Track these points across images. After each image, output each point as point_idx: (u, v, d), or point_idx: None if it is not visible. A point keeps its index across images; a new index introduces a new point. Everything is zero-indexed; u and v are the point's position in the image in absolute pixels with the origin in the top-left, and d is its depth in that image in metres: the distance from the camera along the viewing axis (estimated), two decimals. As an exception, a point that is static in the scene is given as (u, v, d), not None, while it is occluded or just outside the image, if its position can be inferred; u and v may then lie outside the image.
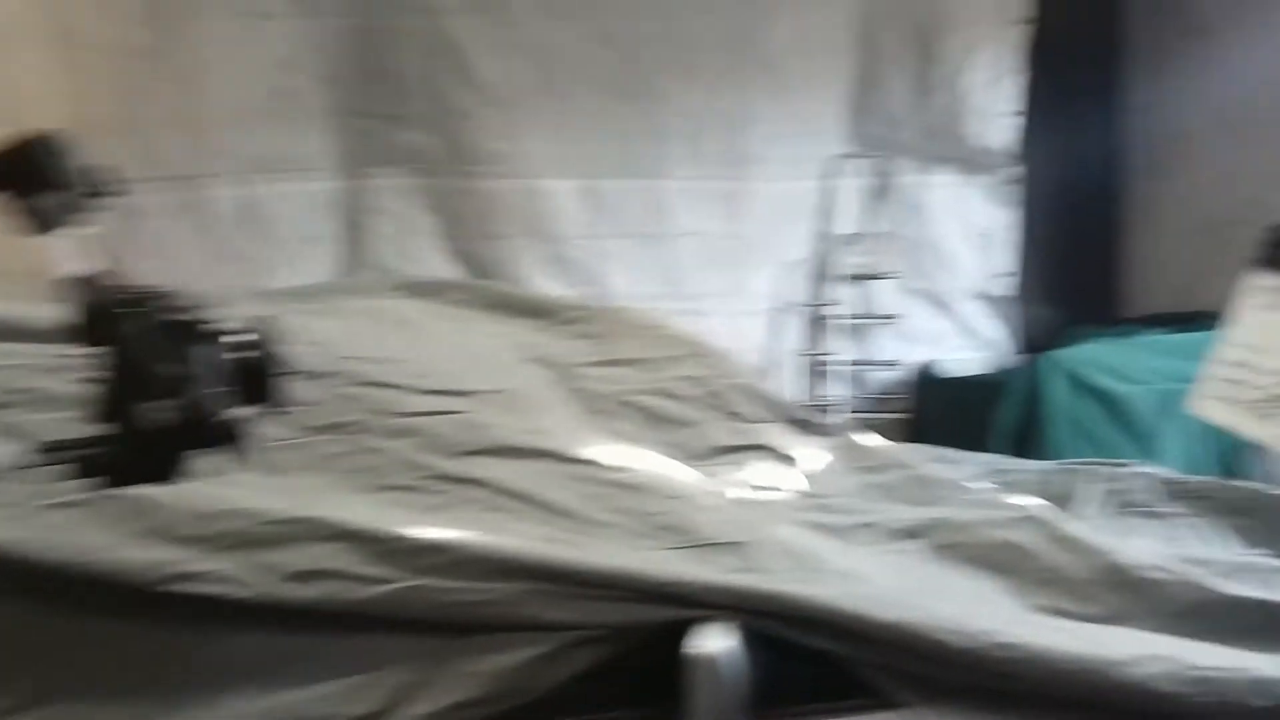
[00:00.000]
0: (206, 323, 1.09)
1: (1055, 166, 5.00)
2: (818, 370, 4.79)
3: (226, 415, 1.05)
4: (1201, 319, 4.34)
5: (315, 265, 4.24)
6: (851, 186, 4.86)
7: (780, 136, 4.69)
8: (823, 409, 4.66)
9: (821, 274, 4.84)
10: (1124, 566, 1.57)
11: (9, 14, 3.72)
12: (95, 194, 1.23)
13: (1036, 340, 4.87)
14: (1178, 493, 2.14)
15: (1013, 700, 1.28)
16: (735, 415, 1.82)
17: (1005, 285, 4.92)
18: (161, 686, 1.11)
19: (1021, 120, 4.76)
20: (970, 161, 4.83)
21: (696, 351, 1.87)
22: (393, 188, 4.38)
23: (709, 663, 1.16)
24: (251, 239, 4.15)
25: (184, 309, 1.10)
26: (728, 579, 1.29)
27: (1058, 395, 3.92)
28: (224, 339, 1.11)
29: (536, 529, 1.34)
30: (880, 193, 4.87)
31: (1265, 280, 1.61)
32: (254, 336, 1.10)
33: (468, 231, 4.42)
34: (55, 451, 1.04)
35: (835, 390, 4.75)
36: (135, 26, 3.93)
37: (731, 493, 1.64)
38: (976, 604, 1.41)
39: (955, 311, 4.90)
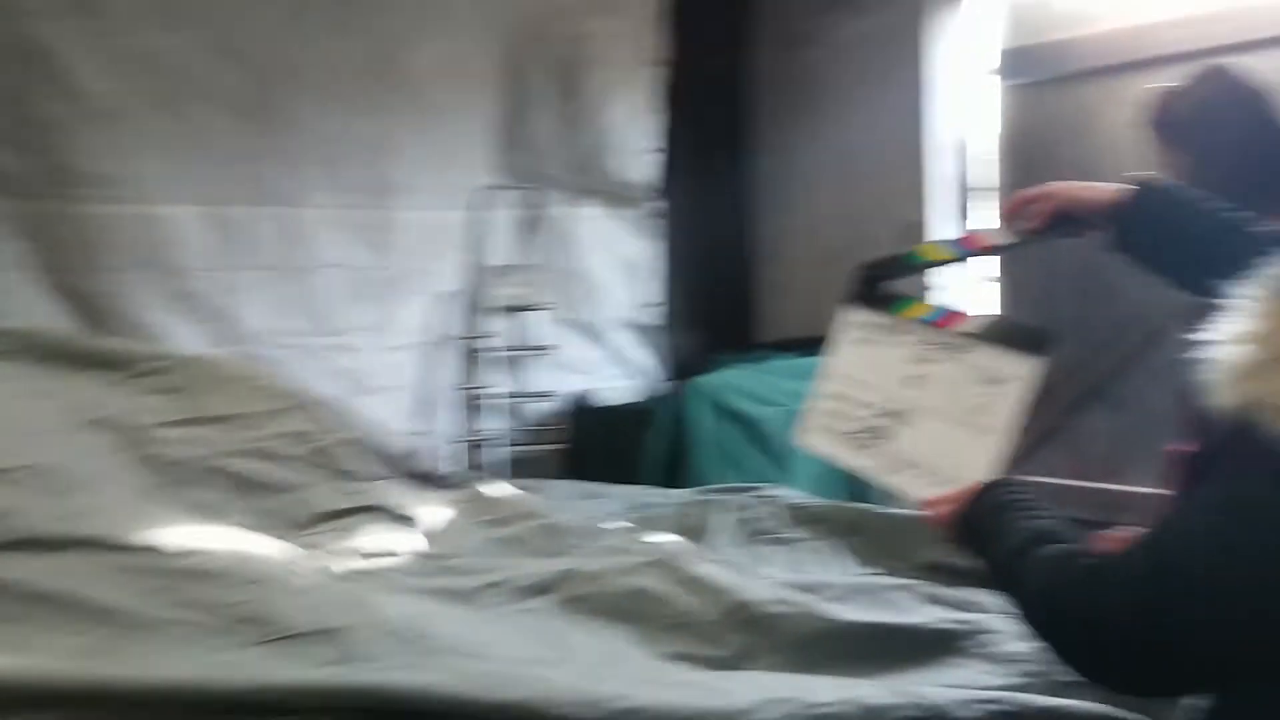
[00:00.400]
0: None
1: (695, 201, 5.26)
2: (474, 404, 4.69)
3: None
4: (818, 342, 4.73)
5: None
6: (502, 218, 4.83)
7: (426, 165, 4.56)
8: (477, 443, 4.58)
9: (474, 306, 4.75)
10: (748, 604, 1.58)
11: None
12: None
13: (683, 367, 5.08)
14: (800, 517, 2.23)
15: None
16: (344, 474, 1.65)
17: (652, 314, 5.08)
18: None
19: (662, 157, 4.94)
20: (615, 195, 4.96)
21: (300, 404, 1.67)
22: (-25, 213, 3.77)
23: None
24: None
25: None
26: (318, 676, 1.12)
27: (701, 420, 4.08)
28: None
29: (71, 640, 1.10)
30: (531, 224, 4.87)
31: (856, 315, 1.70)
32: None
33: (69, 263, 3.88)
34: None
35: (492, 424, 4.67)
36: None
37: (336, 566, 1.46)
38: (604, 664, 1.35)
39: (606, 341, 4.99)
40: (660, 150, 4.92)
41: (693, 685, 1.31)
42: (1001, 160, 4.56)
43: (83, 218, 3.91)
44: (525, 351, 4.82)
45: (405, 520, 1.59)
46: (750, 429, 4.15)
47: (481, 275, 4.76)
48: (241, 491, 1.46)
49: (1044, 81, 4.42)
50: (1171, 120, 1.88)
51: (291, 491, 1.54)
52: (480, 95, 4.66)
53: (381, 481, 1.67)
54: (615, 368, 5.00)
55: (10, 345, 1.60)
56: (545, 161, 4.81)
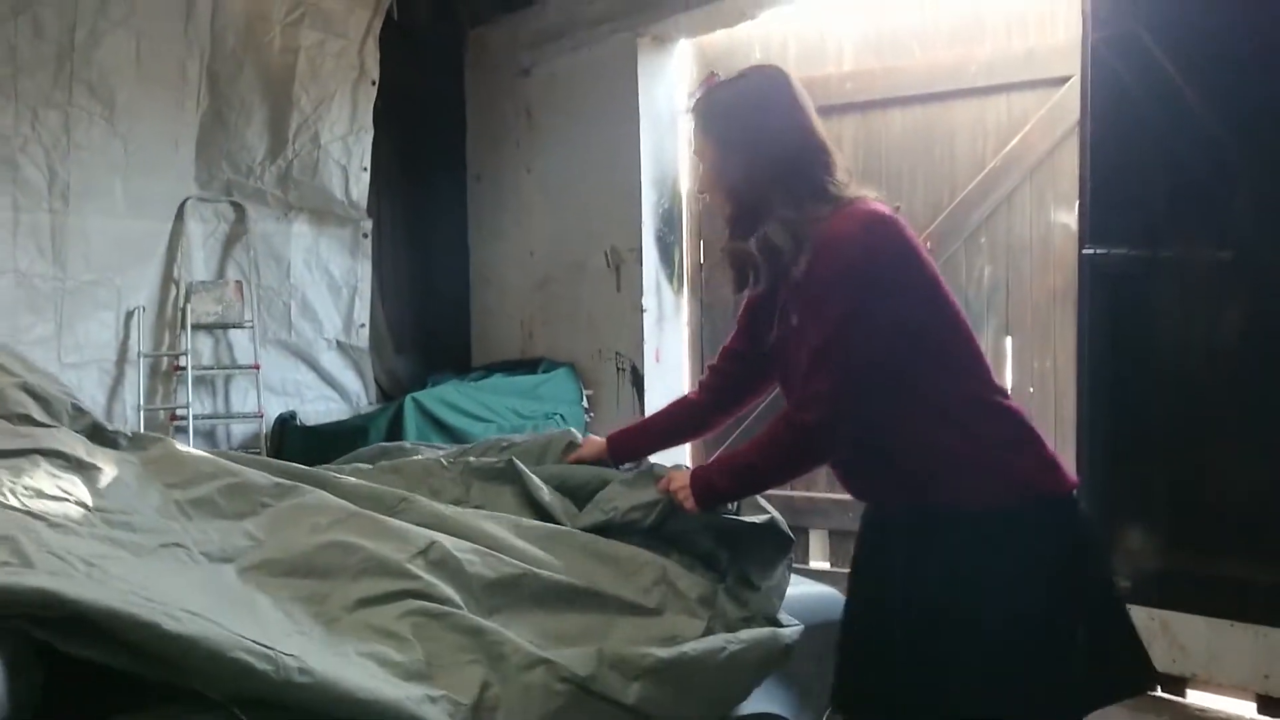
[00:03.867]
0: None
1: (410, 224, 5.25)
2: (164, 426, 4.39)
3: None
4: (538, 363, 4.84)
5: None
6: (202, 231, 4.60)
7: (115, 169, 4.28)
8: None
9: (170, 322, 4.47)
10: (438, 545, 1.61)
11: None
12: None
13: (398, 387, 5.01)
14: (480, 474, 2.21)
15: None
16: (22, 418, 1.53)
17: (363, 335, 4.98)
18: None
19: (374, 177, 4.90)
20: (326, 213, 4.85)
21: None
22: None
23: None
24: None
25: None
26: None
27: (415, 434, 4.04)
28: None
29: None
30: (235, 239, 4.67)
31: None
32: None
33: None
34: None
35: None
36: None
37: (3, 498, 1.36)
38: (280, 622, 1.32)
39: (316, 361, 4.84)
40: (372, 170, 4.87)
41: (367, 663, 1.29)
42: (692, 192, 4.91)
43: None
44: (226, 371, 4.59)
45: (85, 468, 1.48)
46: (462, 442, 4.15)
47: (179, 290, 4.49)
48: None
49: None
50: (705, 109, 1.87)
51: (-43, 429, 1.41)
52: (178, 100, 4.43)
53: (61, 429, 1.55)
54: (324, 387, 4.85)
55: None
56: (251, 175, 4.64)
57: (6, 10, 3.94)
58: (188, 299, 4.49)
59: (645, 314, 4.56)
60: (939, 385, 1.73)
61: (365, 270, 4.96)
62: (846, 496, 4.50)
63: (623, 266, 4.63)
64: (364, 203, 4.87)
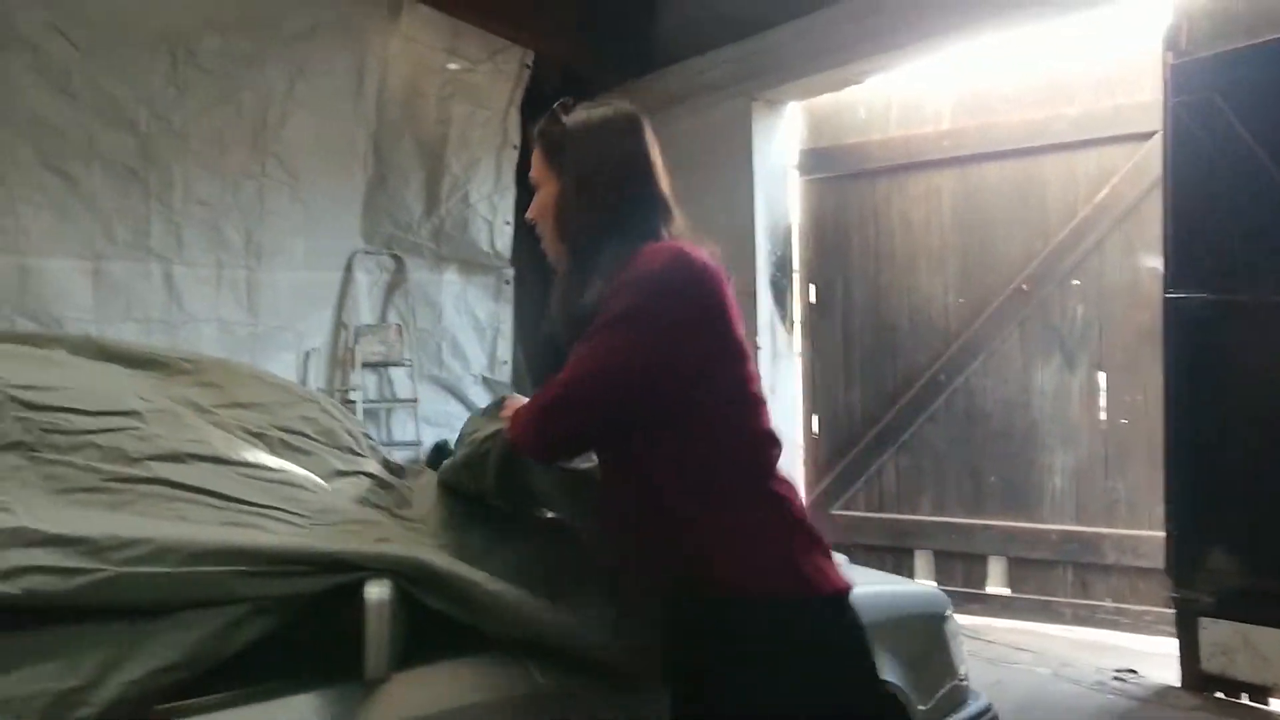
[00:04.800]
0: None
1: (545, 271, 5.80)
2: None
3: None
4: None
5: None
6: (367, 281, 5.23)
7: (296, 230, 4.93)
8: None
9: (340, 361, 5.10)
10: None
11: None
12: None
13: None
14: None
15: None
16: (346, 449, 2.03)
17: (505, 371, 5.56)
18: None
19: (516, 230, 5.48)
20: (473, 263, 5.45)
21: (304, 397, 2.07)
22: None
23: (380, 605, 1.42)
24: None
25: None
26: (378, 548, 1.55)
27: (556, 462, 4.55)
28: None
29: (217, 515, 1.49)
30: (394, 288, 5.29)
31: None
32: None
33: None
34: None
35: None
36: None
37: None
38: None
39: (464, 394, 5.42)
40: (513, 223, 5.45)
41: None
42: (802, 241, 5.37)
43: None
44: (388, 404, 5.20)
45: (390, 486, 1.98)
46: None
47: (348, 333, 5.13)
48: (279, 453, 1.83)
49: (837, 177, 5.27)
50: (553, 138, 1.82)
51: (312, 455, 1.91)
52: (349, 168, 5.08)
53: (368, 459, 2.05)
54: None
55: (73, 344, 1.90)
56: (409, 230, 5.26)
57: (214, 99, 4.62)
58: (356, 340, 5.12)
59: (760, 351, 5.00)
60: (709, 455, 1.61)
61: (507, 313, 5.55)
62: (950, 518, 4.86)
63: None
64: (507, 253, 5.46)
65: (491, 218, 5.41)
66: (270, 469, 1.69)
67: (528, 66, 5.47)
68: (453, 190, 5.29)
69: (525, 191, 5.63)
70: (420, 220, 5.28)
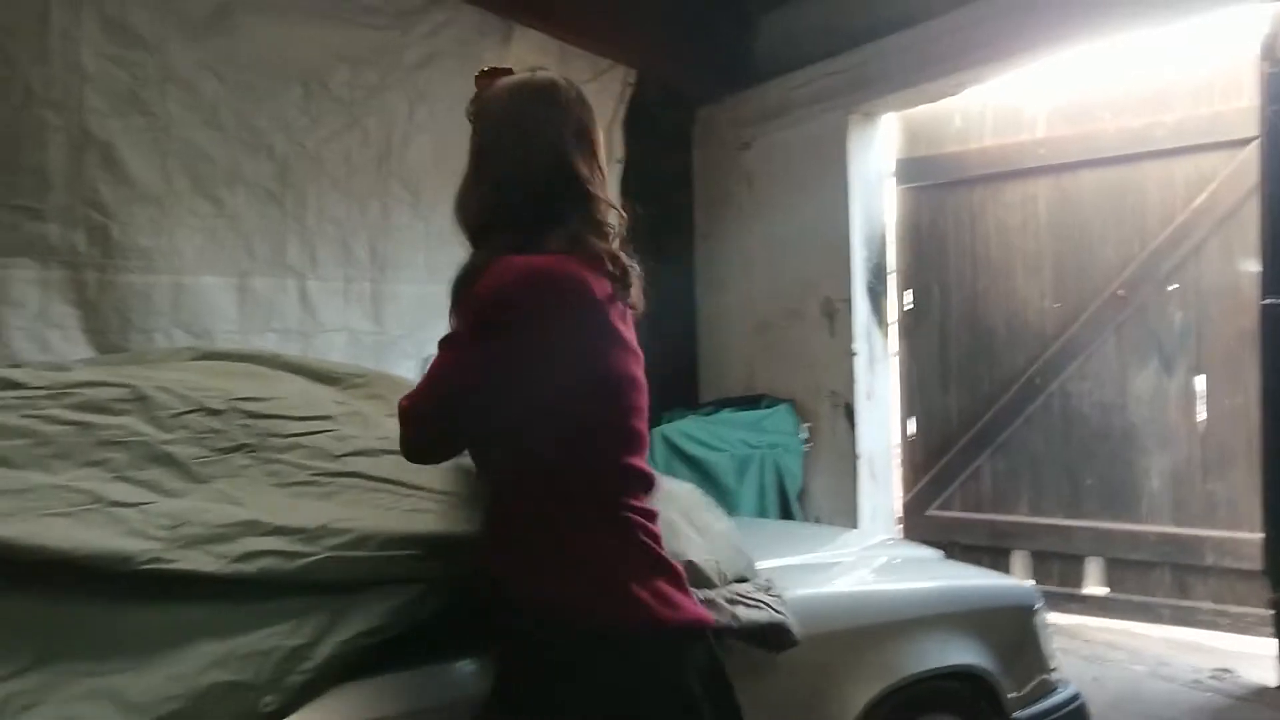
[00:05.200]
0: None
1: (647, 279, 6.05)
2: (457, 453, 5.33)
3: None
4: (759, 399, 5.53)
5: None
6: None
7: (419, 245, 5.28)
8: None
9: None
10: None
11: None
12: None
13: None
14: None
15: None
16: None
17: (611, 376, 5.82)
18: (144, 642, 1.44)
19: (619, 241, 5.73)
20: (580, 272, 5.73)
21: None
22: (29, 279, 4.32)
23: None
24: None
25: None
26: None
27: (662, 462, 4.80)
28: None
29: (404, 501, 1.79)
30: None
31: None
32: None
33: (111, 324, 4.45)
34: None
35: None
36: None
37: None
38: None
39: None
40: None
41: None
42: (898, 248, 5.51)
43: (123, 285, 4.49)
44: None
45: None
46: (700, 469, 4.88)
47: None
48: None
49: (933, 185, 5.39)
50: (476, 104, 1.70)
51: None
52: (450, 186, 5.40)
53: None
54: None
55: (265, 360, 2.24)
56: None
57: (344, 125, 4.99)
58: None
59: (857, 357, 5.16)
60: (551, 480, 1.55)
61: (611, 320, 5.80)
62: (1047, 519, 4.94)
63: (836, 315, 5.26)
64: (611, 263, 5.71)
65: (597, 230, 5.66)
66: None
67: (630, 84, 5.72)
68: (560, 204, 5.57)
69: (628, 205, 5.89)
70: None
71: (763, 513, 4.90)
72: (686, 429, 4.99)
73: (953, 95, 4.97)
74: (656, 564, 1.56)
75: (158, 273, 4.58)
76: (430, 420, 1.56)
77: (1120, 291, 4.76)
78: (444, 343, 1.62)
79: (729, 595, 1.97)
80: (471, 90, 1.79)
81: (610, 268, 1.62)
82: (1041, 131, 5.00)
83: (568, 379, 1.54)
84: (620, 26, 5.55)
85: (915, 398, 5.50)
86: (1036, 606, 2.66)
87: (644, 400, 1.66)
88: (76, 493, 1.60)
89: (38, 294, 4.31)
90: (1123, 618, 4.74)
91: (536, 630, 1.54)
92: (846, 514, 5.11)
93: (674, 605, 1.54)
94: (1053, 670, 2.66)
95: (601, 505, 1.56)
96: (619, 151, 5.70)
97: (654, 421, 5.35)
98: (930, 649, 2.30)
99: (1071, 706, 2.63)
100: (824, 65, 5.18)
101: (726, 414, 5.35)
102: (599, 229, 1.65)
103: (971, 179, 5.26)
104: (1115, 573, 4.83)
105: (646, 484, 1.61)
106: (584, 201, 1.63)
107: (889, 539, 4.19)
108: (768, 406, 5.36)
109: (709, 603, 1.86)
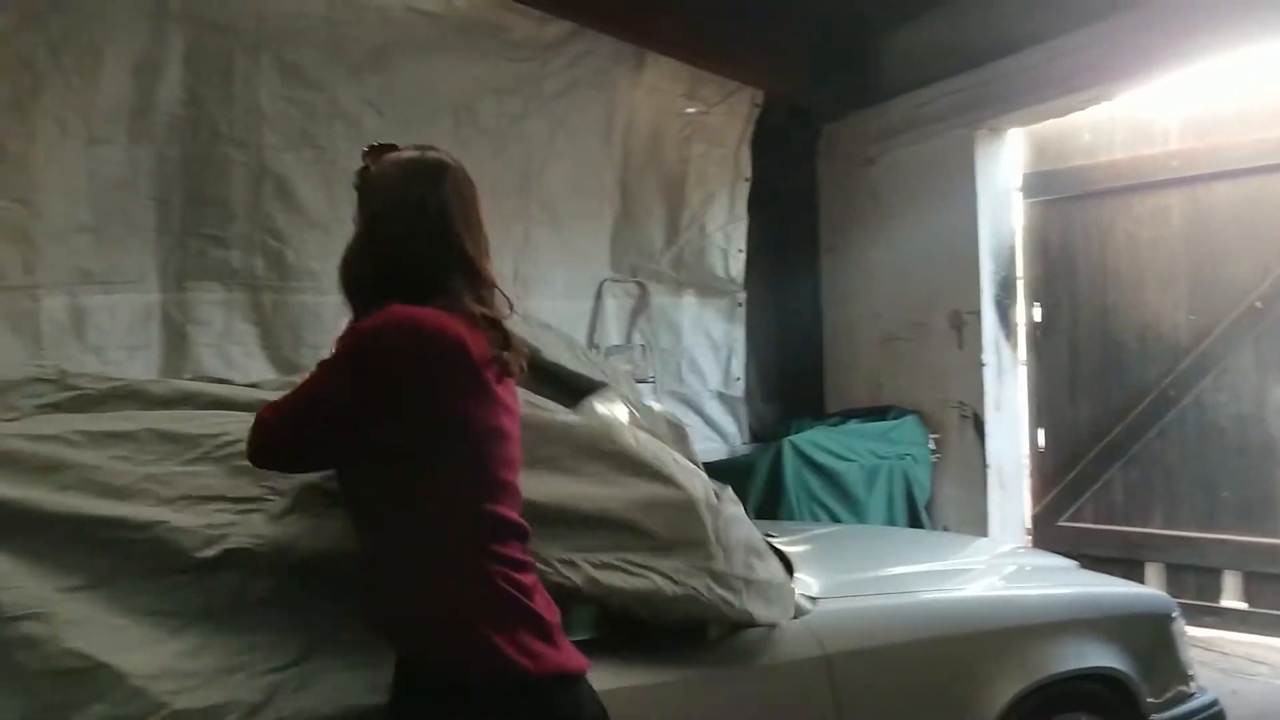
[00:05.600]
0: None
1: (775, 293, 6.25)
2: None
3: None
4: (887, 410, 5.64)
5: (139, 370, 4.52)
6: (615, 305, 5.83)
7: (557, 263, 5.58)
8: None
9: (596, 378, 5.70)
10: None
11: None
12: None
13: (765, 431, 6.00)
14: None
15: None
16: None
17: (737, 387, 6.03)
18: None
19: (747, 256, 5.94)
20: (709, 287, 5.95)
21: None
22: (215, 301, 4.75)
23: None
24: (81, 346, 4.38)
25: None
26: None
27: (792, 472, 4.96)
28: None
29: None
30: (639, 311, 5.86)
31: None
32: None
33: (285, 341, 4.86)
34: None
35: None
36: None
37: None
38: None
39: (701, 408, 5.92)
40: (746, 250, 5.92)
41: None
42: (1026, 262, 5.55)
43: (296, 305, 4.90)
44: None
45: None
46: (830, 478, 5.03)
47: (599, 353, 5.73)
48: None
49: (1062, 199, 5.42)
50: (362, 180, 1.80)
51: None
52: (599, 206, 5.68)
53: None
54: (708, 431, 5.92)
55: None
56: (652, 259, 5.82)
57: (490, 153, 5.32)
58: (606, 360, 5.72)
59: (985, 368, 5.23)
60: (415, 525, 1.59)
61: (739, 333, 6.01)
62: (1182, 532, 4.93)
63: (964, 327, 5.34)
64: (740, 278, 5.93)
65: (725, 246, 5.89)
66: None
67: (757, 105, 5.92)
68: (690, 222, 5.81)
69: (755, 221, 6.07)
70: (661, 250, 5.82)
71: (891, 522, 5.03)
72: (816, 439, 5.14)
73: (1081, 110, 5.02)
74: (522, 615, 1.59)
75: (326, 293, 4.96)
76: (284, 428, 1.63)
77: (1258, 304, 4.72)
78: (320, 364, 1.65)
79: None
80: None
81: (488, 329, 1.67)
82: (1173, 144, 4.99)
83: (427, 422, 1.59)
84: (748, 50, 5.76)
85: (1044, 409, 5.53)
86: (1173, 614, 2.75)
87: (513, 452, 1.70)
88: None
89: (221, 314, 4.75)
90: (1262, 632, 4.69)
91: (409, 683, 1.61)
92: (975, 524, 5.19)
93: (535, 655, 1.56)
94: (1190, 678, 2.74)
95: (461, 554, 1.59)
96: (746, 170, 5.91)
97: (783, 431, 5.53)
98: (1069, 651, 2.43)
99: (1209, 713, 2.72)
100: (949, 83, 5.28)
101: (854, 425, 5.48)
102: (480, 296, 1.71)
103: (1100, 192, 5.27)
104: (1253, 586, 4.78)
105: (514, 532, 1.64)
106: (469, 272, 1.72)
107: (1020, 547, 4.28)
108: (895, 418, 5.47)
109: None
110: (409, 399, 1.58)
